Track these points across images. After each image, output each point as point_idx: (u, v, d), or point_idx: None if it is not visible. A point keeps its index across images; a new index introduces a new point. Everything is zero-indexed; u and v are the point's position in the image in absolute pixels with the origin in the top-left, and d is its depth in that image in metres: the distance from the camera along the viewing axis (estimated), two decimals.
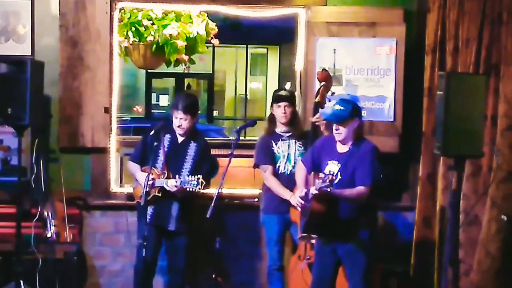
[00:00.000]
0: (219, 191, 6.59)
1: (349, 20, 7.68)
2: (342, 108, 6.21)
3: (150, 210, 6.72)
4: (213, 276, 7.02)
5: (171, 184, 6.57)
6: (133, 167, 6.97)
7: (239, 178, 7.92)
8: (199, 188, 6.45)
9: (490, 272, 7.19)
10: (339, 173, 6.16)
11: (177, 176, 6.66)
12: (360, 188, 6.11)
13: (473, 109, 6.08)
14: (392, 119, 7.68)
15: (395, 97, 7.66)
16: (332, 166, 6.22)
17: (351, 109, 6.19)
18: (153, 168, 6.70)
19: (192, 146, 6.84)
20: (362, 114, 6.42)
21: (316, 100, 7.10)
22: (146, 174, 6.59)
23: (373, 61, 7.67)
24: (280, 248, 7.08)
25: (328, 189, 5.83)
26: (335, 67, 7.63)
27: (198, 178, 6.45)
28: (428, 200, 7.65)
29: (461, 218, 6.98)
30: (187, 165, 6.79)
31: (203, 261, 7.47)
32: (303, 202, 6.17)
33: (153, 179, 6.62)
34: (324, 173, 6.19)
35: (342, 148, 6.27)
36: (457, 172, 6.44)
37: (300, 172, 6.54)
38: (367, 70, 7.68)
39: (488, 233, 7.18)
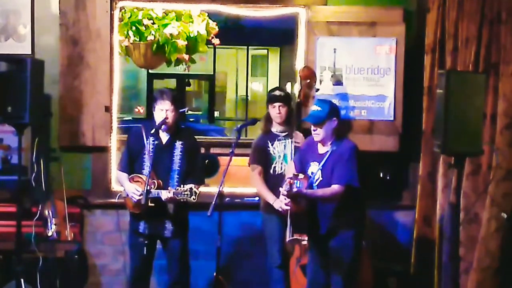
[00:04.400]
0: (220, 189, 6.62)
1: (349, 19, 7.70)
2: (319, 108, 6.23)
3: (142, 222, 6.62)
4: (214, 274, 7.04)
5: (164, 197, 6.40)
6: (122, 176, 6.77)
7: (240, 177, 7.93)
8: (193, 199, 6.30)
9: (490, 270, 7.21)
10: (319, 174, 6.18)
11: (169, 187, 6.48)
12: (334, 187, 6.11)
13: (473, 107, 6.11)
14: (392, 118, 7.69)
15: (395, 96, 7.67)
16: (314, 167, 6.25)
17: (328, 110, 6.21)
18: (140, 176, 6.57)
19: (178, 146, 6.63)
20: (340, 113, 6.41)
21: (298, 100, 7.13)
22: (134, 185, 6.53)
23: (373, 61, 7.68)
24: (280, 246, 7.06)
25: (294, 190, 5.86)
26: (335, 67, 7.65)
27: (191, 188, 6.28)
28: (428, 198, 7.66)
29: (461, 216, 6.99)
30: (175, 167, 6.61)
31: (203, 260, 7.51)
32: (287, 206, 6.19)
33: (147, 190, 6.42)
34: (306, 173, 6.20)
35: (322, 149, 6.27)
36: (457, 170, 6.45)
37: (289, 172, 6.51)
38: (367, 69, 7.70)
39: (488, 231, 7.20)
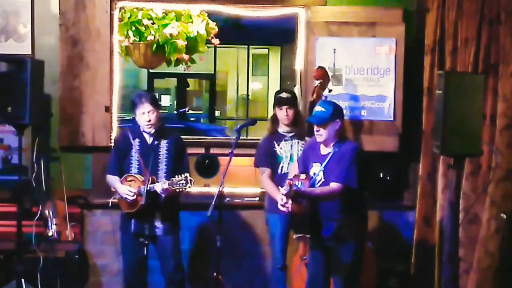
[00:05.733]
0: (220, 189, 6.62)
1: (348, 20, 7.70)
2: (323, 109, 6.20)
3: (133, 220, 6.66)
4: (214, 274, 7.05)
5: (160, 189, 6.42)
6: (112, 180, 6.79)
7: (240, 177, 7.93)
8: (189, 187, 6.31)
9: (490, 270, 7.20)
10: (321, 175, 6.17)
11: (164, 179, 6.52)
12: (332, 185, 6.08)
13: (472, 108, 6.10)
14: (392, 119, 7.70)
15: (394, 97, 7.68)
16: (316, 168, 6.22)
17: (332, 111, 6.18)
18: (133, 175, 6.62)
19: (163, 145, 6.68)
20: (344, 115, 6.38)
21: (312, 98, 7.13)
22: (126, 186, 6.57)
23: (372, 61, 7.69)
24: (283, 247, 7.07)
25: (292, 192, 5.85)
26: (334, 67, 7.64)
27: (186, 177, 6.29)
28: (428, 199, 7.66)
29: (461, 217, 6.99)
30: (162, 166, 6.64)
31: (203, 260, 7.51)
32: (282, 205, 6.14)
33: (138, 187, 6.50)
34: (308, 174, 6.20)
35: (325, 150, 6.25)
36: (457, 170, 6.45)
37: (293, 172, 6.52)
38: (366, 69, 7.70)
39: (488, 231, 7.19)
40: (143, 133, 6.69)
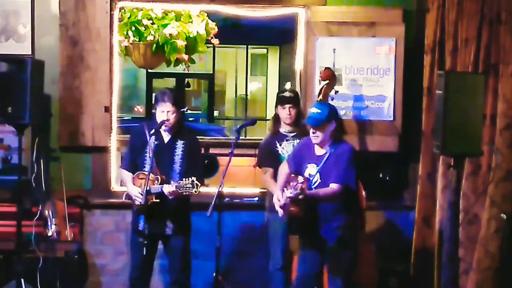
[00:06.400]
0: (220, 189, 6.62)
1: (348, 19, 7.70)
2: (319, 111, 6.19)
3: (142, 218, 6.64)
4: (214, 275, 7.05)
5: (167, 190, 6.42)
6: (125, 176, 6.79)
7: (240, 177, 7.94)
8: (195, 191, 6.31)
9: (489, 270, 7.20)
10: (317, 176, 6.16)
11: (171, 181, 6.52)
12: (333, 187, 6.08)
13: (472, 108, 6.10)
14: (391, 119, 7.70)
15: (394, 97, 7.67)
16: (311, 169, 6.21)
17: (328, 113, 6.17)
18: (145, 173, 6.57)
19: (180, 145, 6.65)
20: (339, 115, 6.38)
21: (318, 99, 7.12)
22: (137, 188, 6.54)
23: (372, 61, 7.69)
24: (283, 247, 7.07)
25: (301, 196, 5.82)
26: (334, 67, 7.61)
27: (193, 181, 6.29)
28: (428, 199, 7.65)
29: (461, 217, 6.98)
30: (176, 166, 6.62)
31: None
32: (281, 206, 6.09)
33: (147, 190, 6.45)
34: (304, 176, 6.18)
35: (320, 151, 6.24)
36: (457, 170, 6.45)
37: (283, 172, 6.49)
38: (366, 69, 7.70)
39: (488, 232, 7.19)
40: (161, 130, 6.65)
